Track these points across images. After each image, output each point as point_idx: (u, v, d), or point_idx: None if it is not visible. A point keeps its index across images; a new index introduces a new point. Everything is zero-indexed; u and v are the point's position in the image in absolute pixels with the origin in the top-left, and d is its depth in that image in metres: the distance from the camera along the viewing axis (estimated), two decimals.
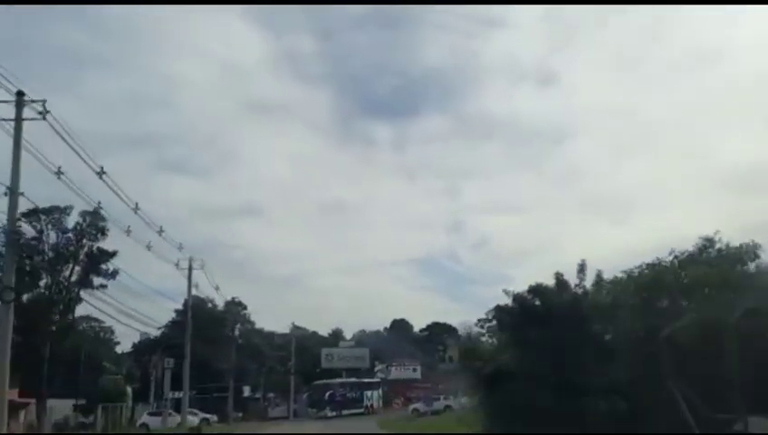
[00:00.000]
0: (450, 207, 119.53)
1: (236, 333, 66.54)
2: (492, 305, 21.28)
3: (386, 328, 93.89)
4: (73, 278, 36.31)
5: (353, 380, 66.98)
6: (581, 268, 19.59)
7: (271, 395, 70.86)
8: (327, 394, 61.42)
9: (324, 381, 65.44)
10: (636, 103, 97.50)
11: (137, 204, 27.99)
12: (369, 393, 64.64)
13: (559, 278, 19.62)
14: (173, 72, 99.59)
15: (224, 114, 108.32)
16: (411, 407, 55.32)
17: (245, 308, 71.08)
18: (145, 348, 62.94)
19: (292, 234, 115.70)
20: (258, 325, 75.61)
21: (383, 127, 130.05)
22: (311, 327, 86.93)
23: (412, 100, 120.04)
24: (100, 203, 26.55)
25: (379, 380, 70.36)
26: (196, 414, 48.59)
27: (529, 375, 17.46)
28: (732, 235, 16.88)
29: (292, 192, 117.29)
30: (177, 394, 45.98)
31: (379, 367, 77.42)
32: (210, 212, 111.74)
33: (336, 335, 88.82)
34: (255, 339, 72.85)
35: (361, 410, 61.35)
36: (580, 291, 19.60)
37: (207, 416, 51.23)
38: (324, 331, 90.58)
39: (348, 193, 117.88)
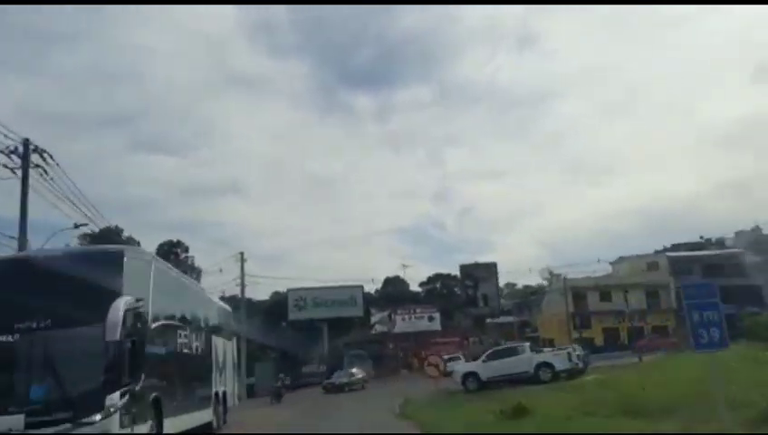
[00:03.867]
0: (435, 175, 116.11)
1: None
2: None
3: (377, 290, 67.05)
4: None
5: None
6: None
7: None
8: None
9: None
10: (617, 63, 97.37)
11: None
12: None
13: None
14: (142, 44, 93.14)
15: (198, 87, 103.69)
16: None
17: None
18: None
19: (276, 209, 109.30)
20: None
21: (364, 97, 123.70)
22: None
23: (392, 68, 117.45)
24: None
25: None
26: None
27: None
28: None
29: (274, 167, 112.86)
30: None
31: (377, 316, 54.71)
32: (189, 190, 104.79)
33: None
34: None
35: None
36: None
37: None
38: None
39: (332, 166, 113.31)
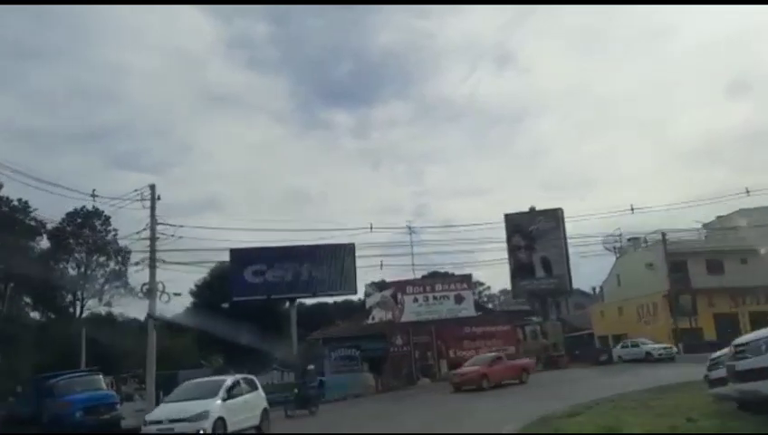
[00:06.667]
0: (414, 191, 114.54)
1: None
2: None
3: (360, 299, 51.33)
4: None
5: None
6: None
7: None
8: None
9: None
10: (593, 81, 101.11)
11: None
12: None
13: None
14: (120, 61, 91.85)
15: (176, 104, 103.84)
16: None
17: None
18: None
19: (256, 226, 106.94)
20: None
21: (344, 113, 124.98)
22: None
23: (372, 84, 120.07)
24: None
25: None
26: None
27: None
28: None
29: (254, 184, 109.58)
30: None
31: (375, 297, 35.44)
32: (168, 208, 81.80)
33: None
34: None
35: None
36: None
37: None
38: None
39: (311, 182, 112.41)
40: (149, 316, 28.95)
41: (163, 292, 29.64)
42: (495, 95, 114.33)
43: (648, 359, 31.87)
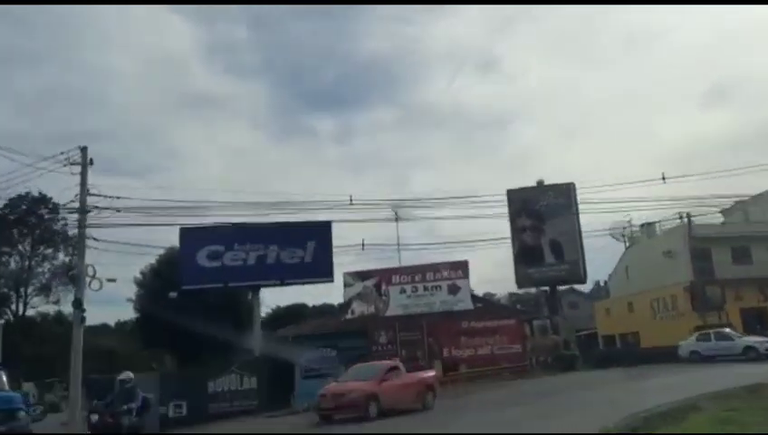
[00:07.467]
0: (398, 198, 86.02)
1: None
2: None
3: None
4: None
5: None
6: None
7: None
8: None
9: None
10: (576, 86, 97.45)
11: None
12: None
13: None
14: (102, 65, 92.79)
15: (159, 109, 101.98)
16: None
17: None
18: None
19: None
20: None
21: (327, 119, 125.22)
22: None
23: (355, 90, 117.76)
24: None
25: None
26: None
27: None
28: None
29: (235, 190, 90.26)
30: None
31: (355, 287, 30.38)
32: (149, 212, 79.33)
33: None
34: None
35: None
36: None
37: None
38: None
39: (293, 188, 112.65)
40: (75, 306, 23.41)
41: (93, 277, 24.21)
42: (480, 100, 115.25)
43: (746, 357, 25.20)
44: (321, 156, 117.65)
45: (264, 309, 43.76)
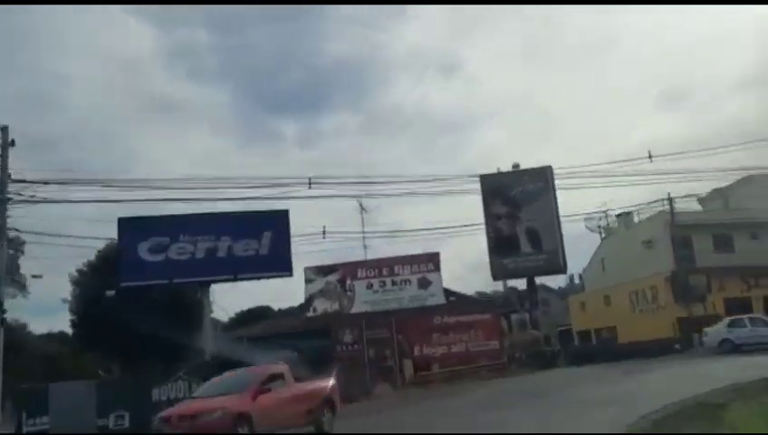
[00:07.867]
0: (363, 201, 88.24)
1: None
2: None
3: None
4: None
5: None
6: None
7: None
8: None
9: None
10: (538, 90, 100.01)
11: None
12: None
13: None
14: (59, 68, 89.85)
15: (118, 114, 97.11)
16: None
17: None
18: None
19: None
20: None
21: (290, 124, 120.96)
22: None
23: (318, 95, 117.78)
24: None
25: None
26: None
27: None
28: None
29: (199, 195, 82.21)
30: None
31: (316, 283, 28.01)
32: (109, 219, 76.13)
33: None
34: None
35: None
36: None
37: None
38: None
39: (257, 194, 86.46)
40: None
41: (16, 272, 21.33)
42: (442, 105, 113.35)
43: None
44: (285, 160, 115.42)
45: (227, 313, 41.03)
